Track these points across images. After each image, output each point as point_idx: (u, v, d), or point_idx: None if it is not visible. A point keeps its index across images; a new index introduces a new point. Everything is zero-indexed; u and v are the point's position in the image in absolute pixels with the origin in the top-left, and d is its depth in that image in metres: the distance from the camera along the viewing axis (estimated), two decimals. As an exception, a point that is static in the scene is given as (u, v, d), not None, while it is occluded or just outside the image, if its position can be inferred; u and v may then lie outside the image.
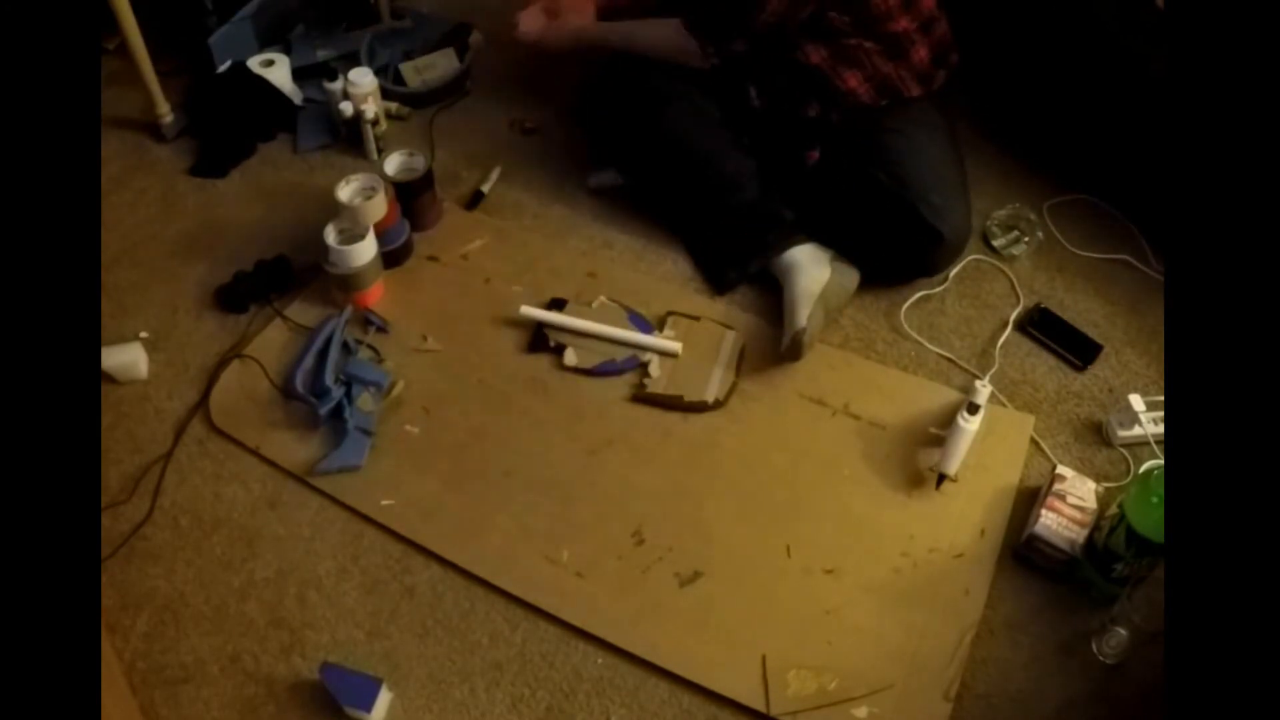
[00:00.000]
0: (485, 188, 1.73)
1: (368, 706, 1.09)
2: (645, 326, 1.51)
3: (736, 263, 1.57)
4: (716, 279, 1.58)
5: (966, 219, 1.54)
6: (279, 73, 1.88)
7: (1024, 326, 1.53)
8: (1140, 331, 1.53)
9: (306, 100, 1.90)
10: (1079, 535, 1.21)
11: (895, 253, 1.53)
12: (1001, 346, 1.50)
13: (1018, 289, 1.59)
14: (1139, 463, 1.36)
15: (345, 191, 1.51)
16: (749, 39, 1.53)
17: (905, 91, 1.55)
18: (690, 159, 1.58)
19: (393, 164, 1.61)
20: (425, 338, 1.50)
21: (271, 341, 1.49)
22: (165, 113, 1.80)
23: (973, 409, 1.33)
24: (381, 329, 1.50)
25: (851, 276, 1.51)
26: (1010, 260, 1.63)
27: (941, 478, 1.30)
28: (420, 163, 1.60)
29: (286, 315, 1.52)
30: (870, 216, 1.51)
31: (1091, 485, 1.27)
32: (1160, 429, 1.36)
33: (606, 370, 1.45)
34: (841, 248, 1.53)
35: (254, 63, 1.88)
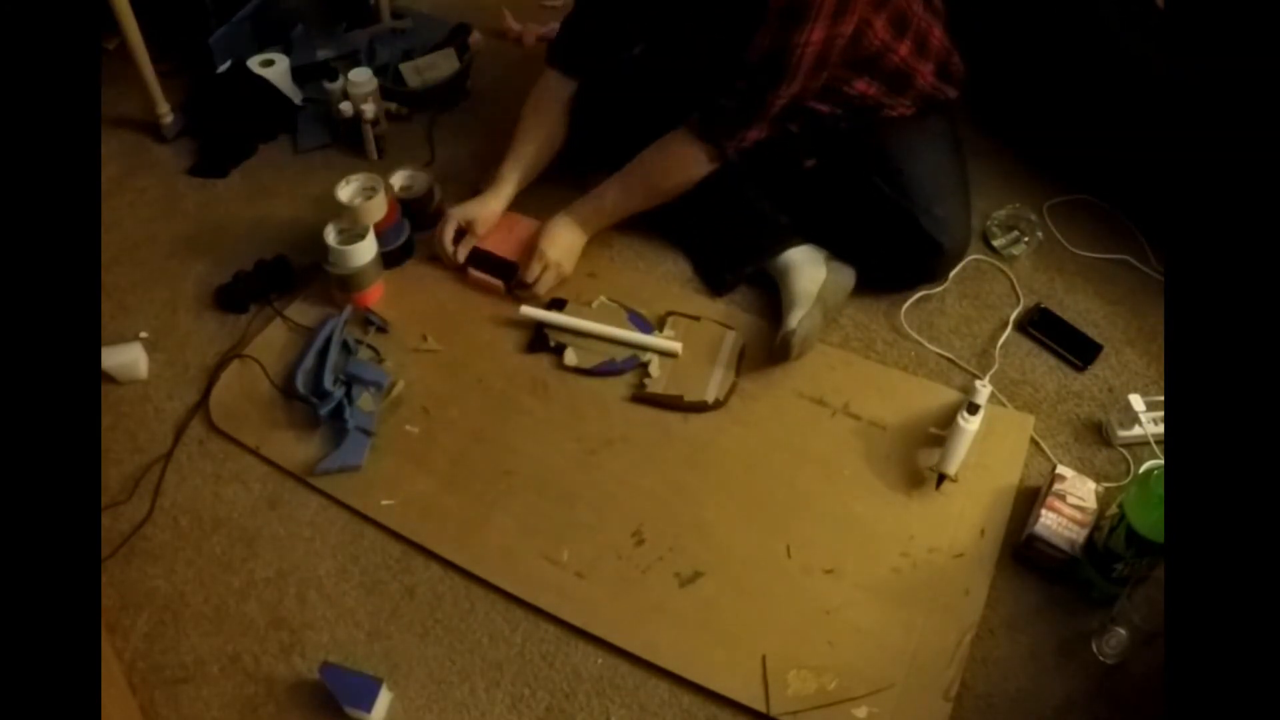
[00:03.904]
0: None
1: (368, 706, 1.09)
2: (645, 326, 1.51)
3: (732, 265, 1.57)
4: (713, 280, 1.58)
5: (967, 229, 1.53)
6: (279, 73, 1.88)
7: (1024, 326, 1.53)
8: (1140, 331, 1.53)
9: (306, 100, 1.91)
10: (1079, 535, 1.21)
11: (894, 261, 1.53)
12: (1001, 346, 1.50)
13: (1018, 289, 1.59)
14: (1139, 463, 1.36)
15: (345, 191, 1.51)
16: (767, 125, 1.43)
17: (893, 112, 1.52)
18: None
19: (396, 181, 1.63)
20: (425, 338, 1.50)
21: (271, 341, 1.49)
22: (165, 113, 1.80)
23: (973, 409, 1.33)
24: (381, 329, 1.50)
25: (848, 275, 1.51)
26: (1010, 260, 1.63)
27: (941, 478, 1.30)
28: (422, 182, 1.63)
29: (286, 315, 1.52)
30: (870, 225, 1.50)
31: (1091, 485, 1.27)
32: (1160, 429, 1.36)
33: (606, 370, 1.45)
34: (839, 252, 1.53)
35: (254, 63, 1.88)
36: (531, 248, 1.54)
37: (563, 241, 1.53)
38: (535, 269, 1.51)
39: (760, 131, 1.43)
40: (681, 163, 1.47)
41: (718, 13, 1.41)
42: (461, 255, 1.55)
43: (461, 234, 1.57)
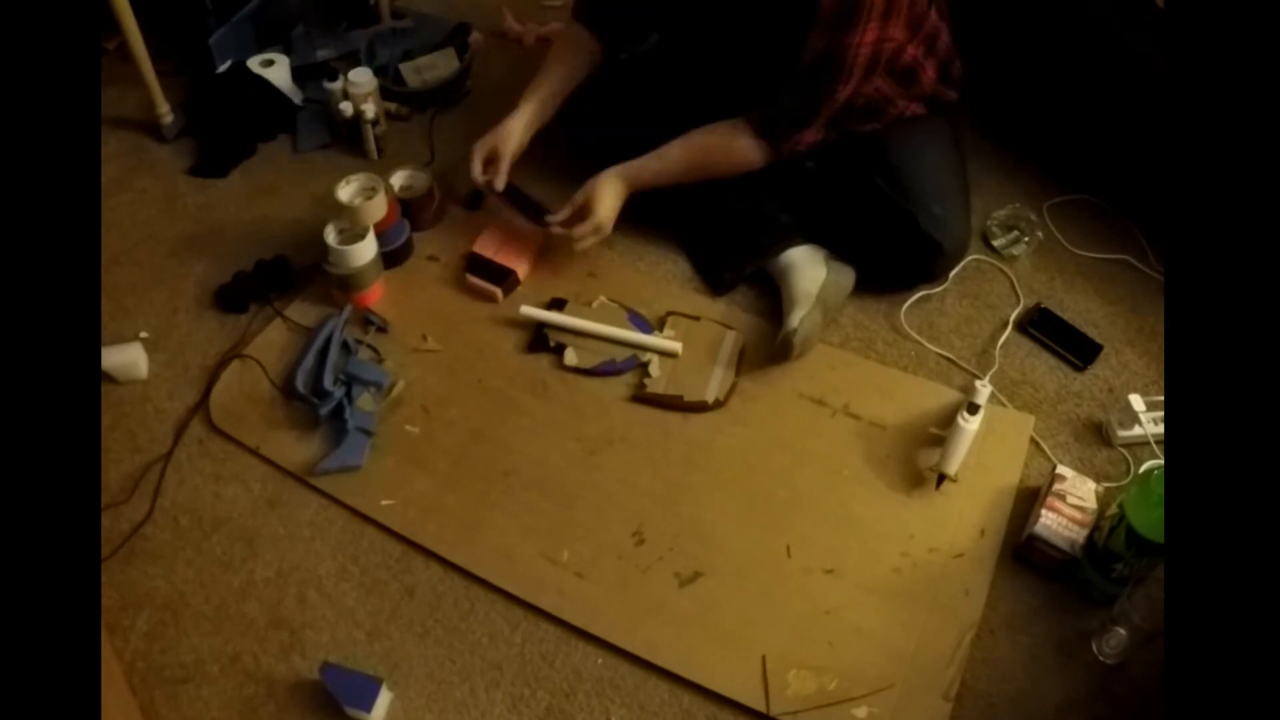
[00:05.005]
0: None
1: (368, 706, 1.09)
2: (645, 326, 1.51)
3: (731, 264, 1.57)
4: (713, 280, 1.58)
5: (967, 229, 1.53)
6: (279, 73, 1.88)
7: (1024, 326, 1.53)
8: (1140, 331, 1.53)
9: (306, 100, 1.91)
10: (1079, 535, 1.21)
11: (893, 260, 1.53)
12: (1001, 346, 1.50)
13: (1018, 289, 1.59)
14: (1139, 463, 1.36)
15: (345, 191, 1.51)
16: (822, 128, 1.44)
17: (902, 114, 1.52)
18: None
19: (396, 181, 1.63)
20: (425, 338, 1.50)
21: (271, 341, 1.49)
22: (165, 113, 1.80)
23: (973, 409, 1.33)
24: (381, 329, 1.50)
25: (848, 274, 1.51)
26: (1010, 260, 1.63)
27: (941, 478, 1.30)
28: (422, 182, 1.63)
29: (286, 315, 1.52)
30: (870, 224, 1.50)
31: (1091, 485, 1.27)
32: (1160, 429, 1.36)
33: (606, 370, 1.45)
34: (839, 252, 1.53)
35: (254, 63, 1.88)
36: (528, 254, 1.57)
37: (610, 203, 1.50)
38: (587, 229, 1.49)
39: (816, 134, 1.45)
40: (740, 154, 1.48)
41: (757, 9, 1.42)
42: (499, 183, 1.55)
43: (490, 164, 1.56)
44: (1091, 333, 1.52)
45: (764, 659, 1.16)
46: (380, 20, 2.07)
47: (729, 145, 1.47)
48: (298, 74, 1.92)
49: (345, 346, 1.46)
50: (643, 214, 1.65)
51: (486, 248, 1.58)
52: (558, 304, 1.53)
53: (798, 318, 1.42)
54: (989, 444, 1.35)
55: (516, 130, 1.56)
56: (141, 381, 1.45)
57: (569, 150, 1.68)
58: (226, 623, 1.21)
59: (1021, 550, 1.25)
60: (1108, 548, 1.15)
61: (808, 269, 1.49)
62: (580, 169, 1.55)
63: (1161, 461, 1.31)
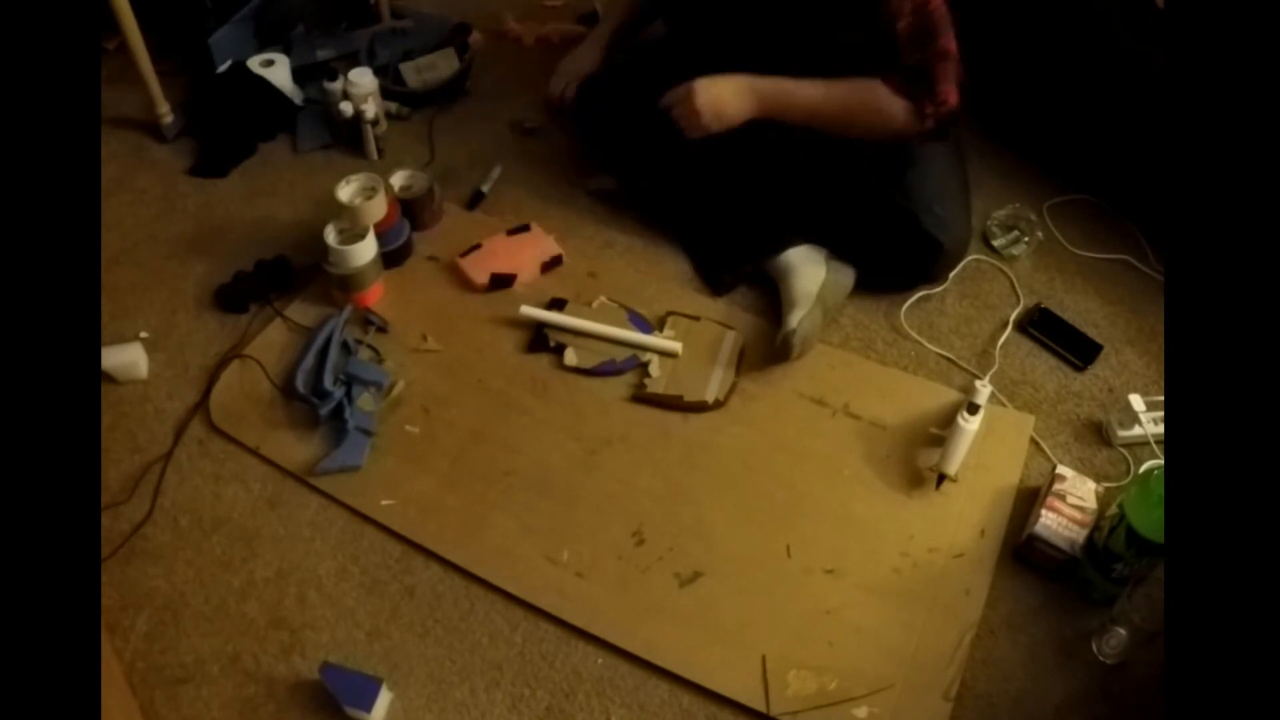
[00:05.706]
0: (485, 188, 1.73)
1: (368, 706, 1.09)
2: (645, 326, 1.51)
3: (732, 265, 1.57)
4: (712, 280, 1.58)
5: (967, 229, 1.53)
6: (279, 73, 1.88)
7: (1024, 326, 1.53)
8: (1140, 331, 1.53)
9: (306, 100, 1.91)
10: (1079, 535, 1.21)
11: (894, 261, 1.53)
12: (1001, 346, 1.50)
13: (1018, 289, 1.59)
14: (1139, 463, 1.36)
15: (345, 191, 1.51)
16: (956, 88, 1.38)
17: None
18: (686, 162, 1.57)
19: (396, 181, 1.63)
20: (425, 338, 1.50)
21: (271, 341, 1.49)
22: (165, 113, 1.80)
23: (973, 409, 1.33)
24: (381, 329, 1.50)
25: (848, 274, 1.51)
26: (1010, 260, 1.63)
27: (941, 478, 1.30)
28: (422, 182, 1.63)
29: (286, 315, 1.52)
30: (870, 224, 1.50)
31: (1091, 485, 1.27)
32: (1160, 429, 1.36)
33: (606, 370, 1.45)
34: (839, 252, 1.53)
35: (254, 63, 1.88)
36: (530, 265, 1.57)
37: (718, 90, 1.42)
38: (680, 93, 1.45)
39: (956, 93, 1.38)
40: (886, 111, 1.39)
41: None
42: (570, 92, 1.72)
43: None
44: (1091, 333, 1.52)
45: (764, 659, 1.16)
46: (380, 20, 2.07)
47: (880, 99, 1.38)
48: (298, 74, 1.92)
49: (345, 346, 1.46)
50: (643, 214, 1.65)
51: (500, 257, 1.58)
52: (558, 304, 1.53)
53: (797, 318, 1.42)
54: (989, 444, 1.35)
55: (599, 57, 1.74)
56: (141, 381, 1.45)
57: (580, 134, 1.71)
58: (226, 623, 1.21)
59: (1021, 550, 1.25)
60: (1108, 548, 1.15)
61: (807, 269, 1.49)
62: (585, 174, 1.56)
63: (1161, 461, 1.31)
